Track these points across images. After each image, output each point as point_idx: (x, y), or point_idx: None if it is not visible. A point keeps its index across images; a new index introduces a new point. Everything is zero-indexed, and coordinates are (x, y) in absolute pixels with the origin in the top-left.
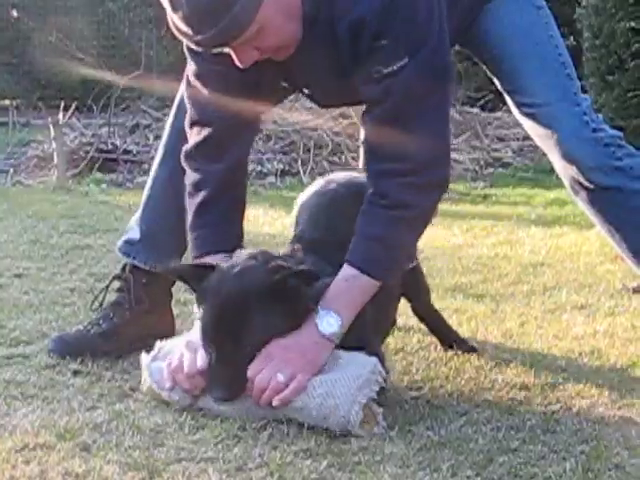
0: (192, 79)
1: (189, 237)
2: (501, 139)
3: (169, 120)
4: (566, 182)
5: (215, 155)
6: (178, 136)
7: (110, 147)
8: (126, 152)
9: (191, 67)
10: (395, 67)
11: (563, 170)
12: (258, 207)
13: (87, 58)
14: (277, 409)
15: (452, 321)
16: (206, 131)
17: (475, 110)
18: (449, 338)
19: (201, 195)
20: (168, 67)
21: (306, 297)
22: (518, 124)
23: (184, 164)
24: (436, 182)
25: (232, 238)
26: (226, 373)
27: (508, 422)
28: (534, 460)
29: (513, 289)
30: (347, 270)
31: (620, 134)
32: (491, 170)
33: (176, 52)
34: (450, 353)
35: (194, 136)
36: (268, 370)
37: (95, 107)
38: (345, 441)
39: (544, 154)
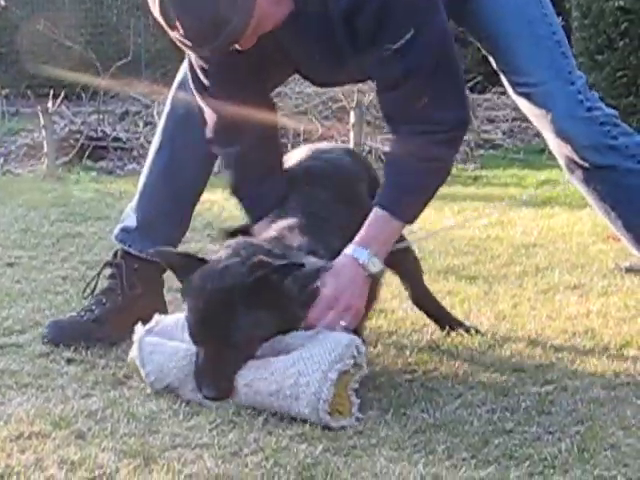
0: (199, 72)
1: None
2: (491, 120)
3: (166, 109)
4: (561, 161)
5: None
6: (174, 125)
7: (100, 135)
8: (116, 139)
9: (196, 62)
10: (403, 41)
11: (558, 149)
12: None
13: (75, 46)
14: (253, 397)
15: (445, 303)
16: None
17: None
18: (445, 320)
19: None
20: (156, 54)
21: (289, 290)
22: (508, 105)
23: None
24: (460, 135)
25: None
26: (215, 372)
27: (503, 404)
28: (529, 441)
29: (505, 270)
30: (379, 213)
31: (616, 113)
32: (481, 152)
33: (164, 40)
34: (444, 335)
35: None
36: (331, 318)
37: (84, 95)
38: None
39: (535, 135)
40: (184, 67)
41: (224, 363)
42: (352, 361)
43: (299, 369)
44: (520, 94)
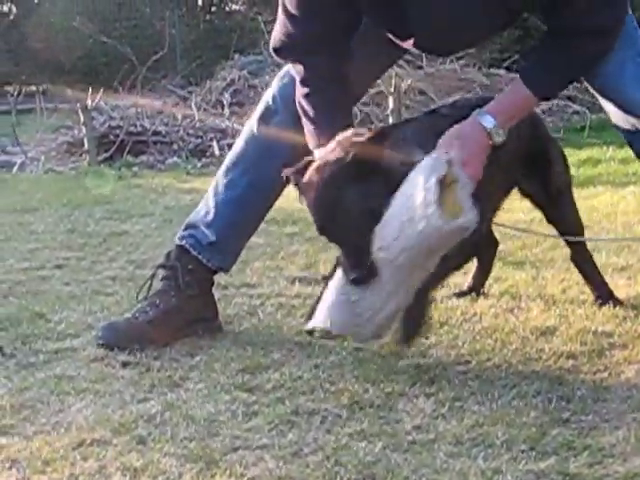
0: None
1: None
2: None
3: (244, 135)
4: (623, 132)
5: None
6: (258, 150)
7: (139, 129)
8: (155, 133)
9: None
10: None
11: (622, 119)
12: None
13: (111, 40)
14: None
15: (493, 290)
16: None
17: (501, 72)
18: (597, 287)
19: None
20: (191, 45)
21: (391, 158)
22: None
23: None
24: (618, 30)
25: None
26: (352, 256)
27: (558, 393)
28: (587, 431)
29: (552, 254)
30: (518, 86)
31: None
32: None
33: (198, 30)
34: (495, 324)
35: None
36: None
37: (121, 89)
38: (398, 420)
39: (574, 113)
40: (264, 100)
41: (357, 246)
42: (445, 167)
43: (403, 199)
44: None
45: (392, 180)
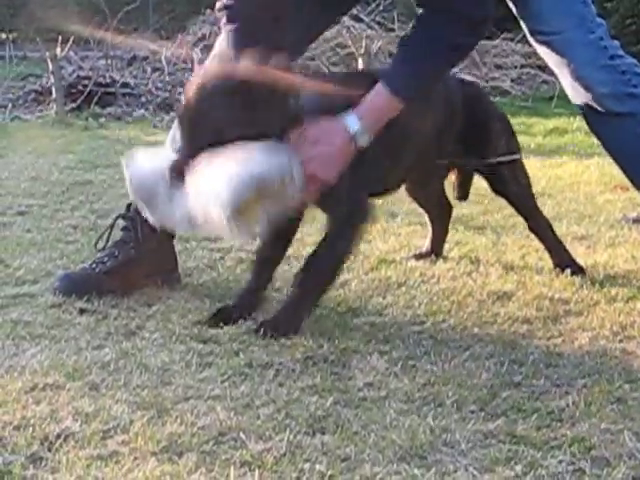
0: None
1: None
2: (499, 67)
3: None
4: (579, 109)
5: None
6: None
7: (108, 81)
8: (124, 85)
9: None
10: None
11: (576, 96)
12: None
13: None
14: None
15: (453, 254)
16: None
17: None
18: (557, 255)
19: None
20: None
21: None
22: (516, 52)
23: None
24: (484, 28)
25: None
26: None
27: (511, 356)
28: (537, 394)
29: (514, 221)
30: (383, 90)
31: (636, 61)
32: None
33: None
34: (452, 286)
35: None
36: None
37: (92, 40)
38: (350, 377)
39: (543, 82)
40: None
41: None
42: (279, 178)
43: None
44: (540, 42)
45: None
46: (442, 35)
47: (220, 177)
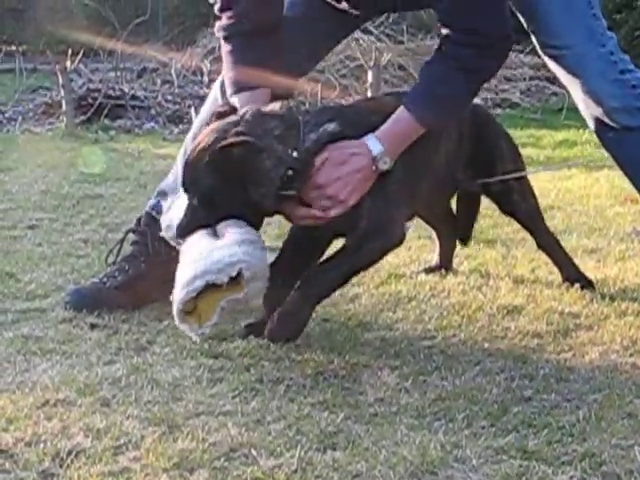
0: None
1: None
2: (508, 79)
3: (212, 98)
4: (590, 123)
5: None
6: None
7: (118, 93)
8: (134, 98)
9: None
10: None
11: (587, 110)
12: None
13: (92, 4)
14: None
15: (463, 267)
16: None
17: None
18: (567, 271)
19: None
20: (174, 11)
21: (261, 170)
22: (525, 64)
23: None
24: (506, 49)
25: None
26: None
27: (521, 371)
28: (548, 409)
29: (524, 234)
30: (406, 115)
31: None
32: (499, 111)
33: None
34: (462, 300)
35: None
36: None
37: (102, 53)
38: (361, 392)
39: (552, 94)
40: None
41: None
42: (227, 279)
43: (194, 266)
44: (551, 56)
45: (253, 191)
46: (463, 59)
47: (178, 272)
